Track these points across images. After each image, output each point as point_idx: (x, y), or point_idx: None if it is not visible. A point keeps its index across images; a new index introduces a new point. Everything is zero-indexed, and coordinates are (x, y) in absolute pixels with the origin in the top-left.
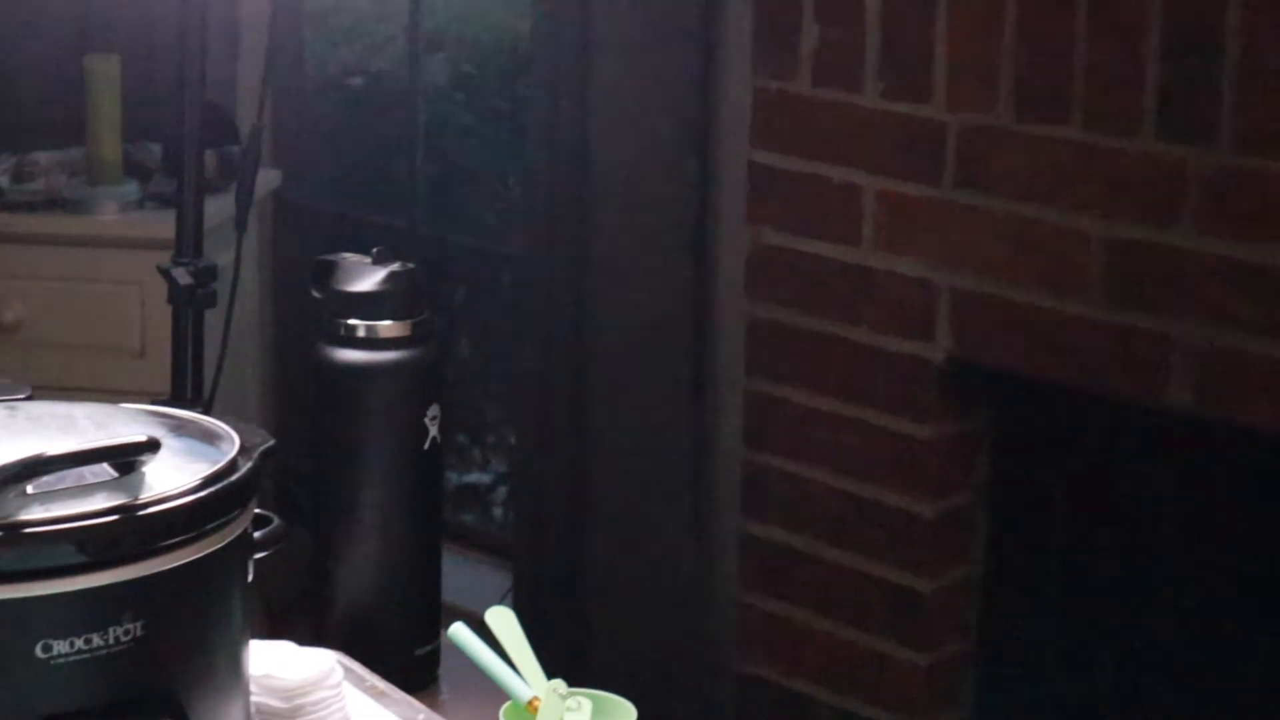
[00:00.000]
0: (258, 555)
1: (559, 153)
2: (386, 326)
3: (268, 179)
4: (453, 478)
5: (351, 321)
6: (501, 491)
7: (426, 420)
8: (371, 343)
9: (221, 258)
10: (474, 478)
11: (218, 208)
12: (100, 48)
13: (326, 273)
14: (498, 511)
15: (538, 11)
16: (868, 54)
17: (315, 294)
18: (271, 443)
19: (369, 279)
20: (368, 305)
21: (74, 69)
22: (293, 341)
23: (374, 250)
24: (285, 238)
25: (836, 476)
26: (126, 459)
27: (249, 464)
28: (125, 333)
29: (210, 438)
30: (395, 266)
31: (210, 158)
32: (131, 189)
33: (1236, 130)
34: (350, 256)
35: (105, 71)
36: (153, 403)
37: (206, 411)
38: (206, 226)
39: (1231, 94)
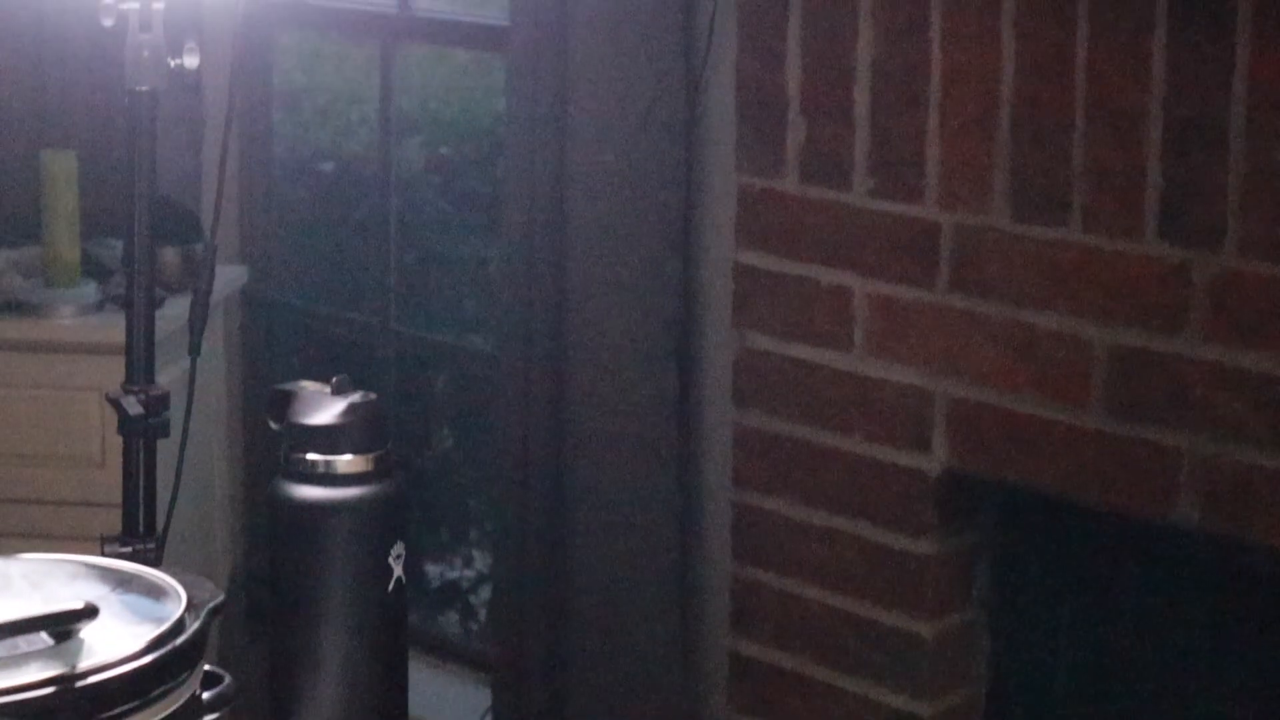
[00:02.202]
0: (209, 718)
1: (536, 250)
2: (346, 461)
3: (234, 276)
4: (434, 576)
5: (309, 456)
6: (485, 591)
7: (390, 560)
8: (330, 478)
9: (182, 366)
10: (456, 574)
11: (180, 310)
12: (57, 143)
13: (284, 403)
14: (483, 613)
15: (510, 98)
16: (857, 151)
17: (273, 425)
18: (221, 599)
19: (328, 411)
20: (326, 439)
21: (30, 165)
22: (264, 458)
23: (333, 380)
24: (254, 338)
25: (830, 594)
26: (63, 627)
27: (196, 623)
28: (84, 441)
29: (155, 593)
30: (355, 397)
31: (172, 255)
32: (89, 290)
33: (1243, 233)
34: (309, 386)
35: (62, 168)
36: (102, 540)
37: (160, 548)
38: (168, 330)
39: (1237, 194)
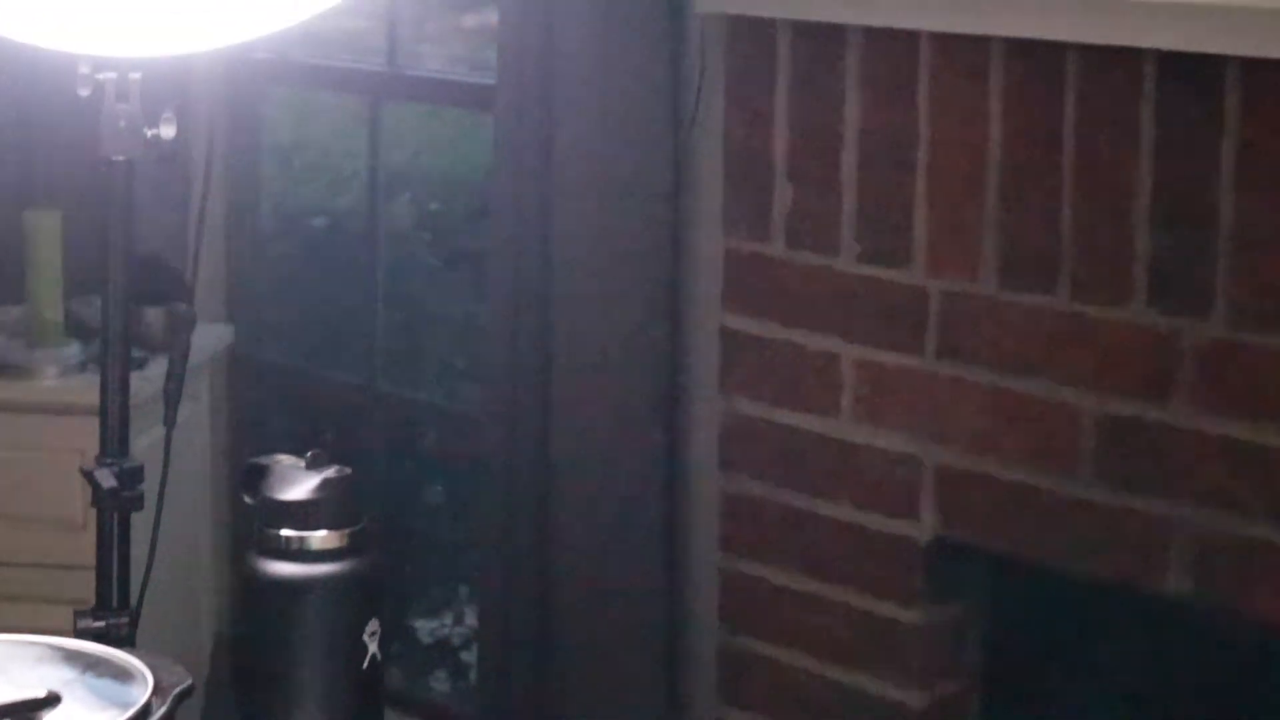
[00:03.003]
0: None
1: (521, 312)
2: (320, 537)
3: (220, 335)
4: (424, 633)
5: (283, 531)
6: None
7: (365, 637)
8: (304, 554)
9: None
10: (446, 631)
11: (164, 370)
12: (42, 202)
13: (258, 477)
14: (474, 675)
15: (497, 158)
16: (844, 216)
17: (247, 500)
18: (188, 683)
19: (302, 485)
20: (300, 514)
21: (14, 224)
22: (249, 521)
23: (309, 454)
24: (240, 398)
25: (818, 663)
26: (25, 716)
27: (163, 708)
28: (65, 504)
29: (122, 677)
30: (331, 472)
31: (156, 315)
32: (73, 351)
33: (1232, 302)
34: (284, 459)
35: (47, 227)
36: (75, 615)
37: (134, 623)
38: (151, 391)
39: (1226, 263)
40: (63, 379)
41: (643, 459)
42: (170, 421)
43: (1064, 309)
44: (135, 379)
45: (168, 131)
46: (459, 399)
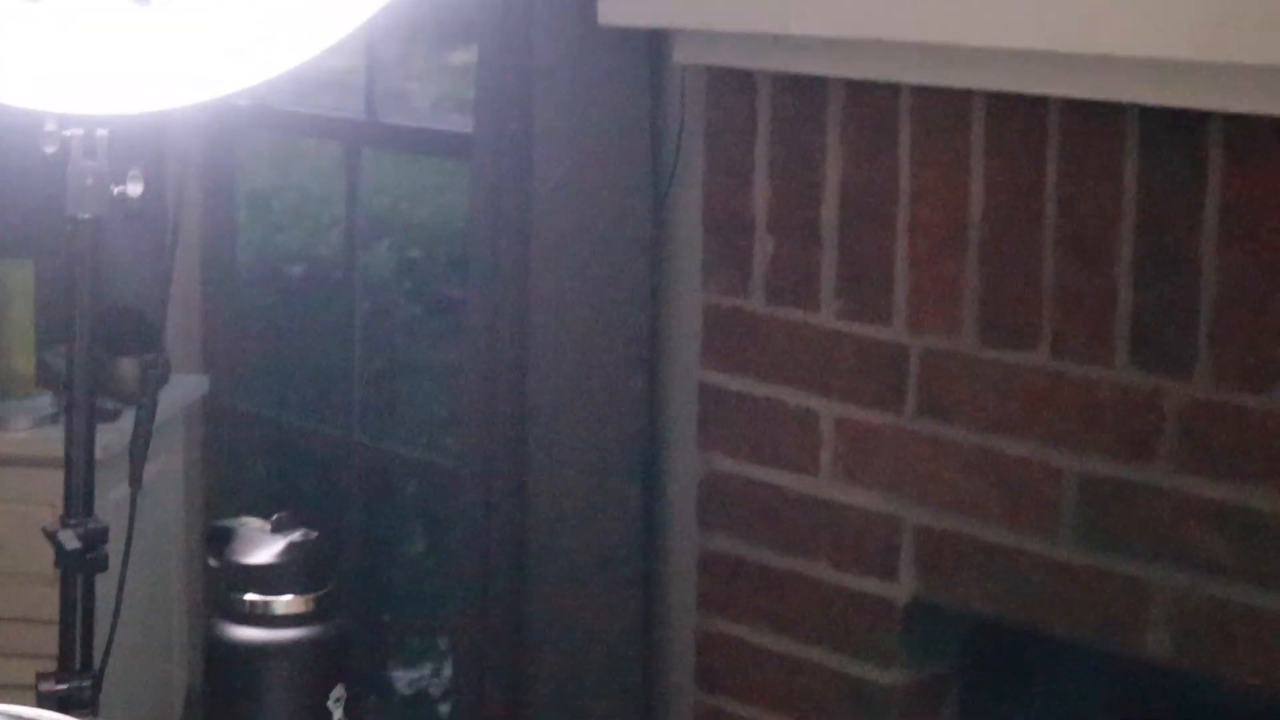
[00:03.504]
0: None
1: (498, 365)
2: (285, 602)
3: (195, 385)
4: (403, 684)
5: (247, 596)
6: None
7: (329, 703)
8: (268, 619)
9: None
10: (425, 683)
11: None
12: (14, 252)
13: (222, 541)
14: None
15: (474, 209)
16: (824, 271)
17: (211, 563)
18: None
19: (267, 550)
20: (264, 579)
21: None
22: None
23: (274, 517)
24: (216, 448)
25: None
26: None
27: None
28: (36, 558)
29: None
30: (296, 535)
31: (130, 366)
32: (44, 402)
33: (1214, 361)
34: (251, 522)
35: (19, 278)
36: (38, 677)
37: (97, 686)
38: (122, 445)
39: (1208, 322)
40: (34, 430)
41: (620, 514)
42: (136, 481)
43: (1045, 367)
44: (108, 431)
45: (135, 189)
46: (438, 450)
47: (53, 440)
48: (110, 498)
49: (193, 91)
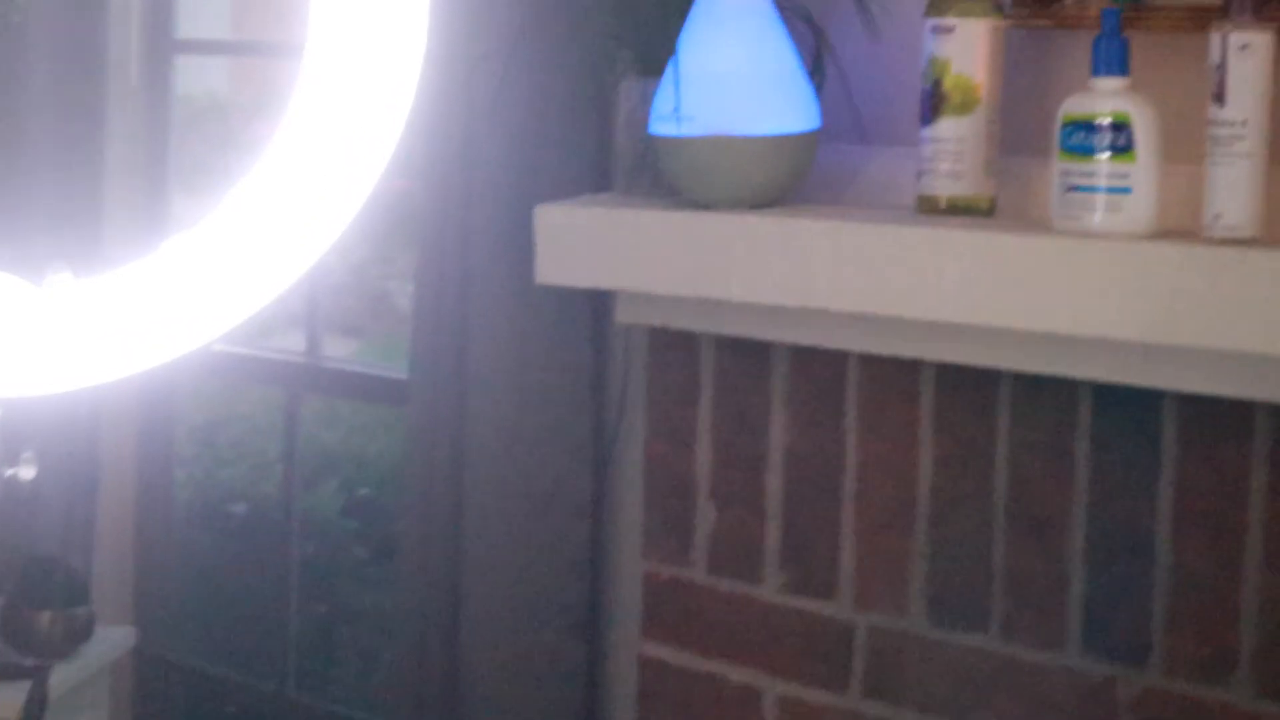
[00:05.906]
0: None
1: (429, 634)
2: None
3: (122, 637)
4: None
5: None
6: None
7: None
8: None
9: None
10: None
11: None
12: None
13: None
14: None
15: (409, 459)
16: (767, 543)
17: None
18: None
19: None
20: None
21: None
22: None
23: None
24: (145, 704)
25: None
26: None
27: None
28: None
29: None
30: None
31: (54, 621)
32: None
33: (1168, 650)
34: None
35: None
36: None
37: None
38: (50, 698)
39: (1162, 609)
40: None
41: None
42: None
43: (995, 651)
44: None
45: (27, 473)
46: (380, 710)
47: None
48: None
49: (91, 373)
